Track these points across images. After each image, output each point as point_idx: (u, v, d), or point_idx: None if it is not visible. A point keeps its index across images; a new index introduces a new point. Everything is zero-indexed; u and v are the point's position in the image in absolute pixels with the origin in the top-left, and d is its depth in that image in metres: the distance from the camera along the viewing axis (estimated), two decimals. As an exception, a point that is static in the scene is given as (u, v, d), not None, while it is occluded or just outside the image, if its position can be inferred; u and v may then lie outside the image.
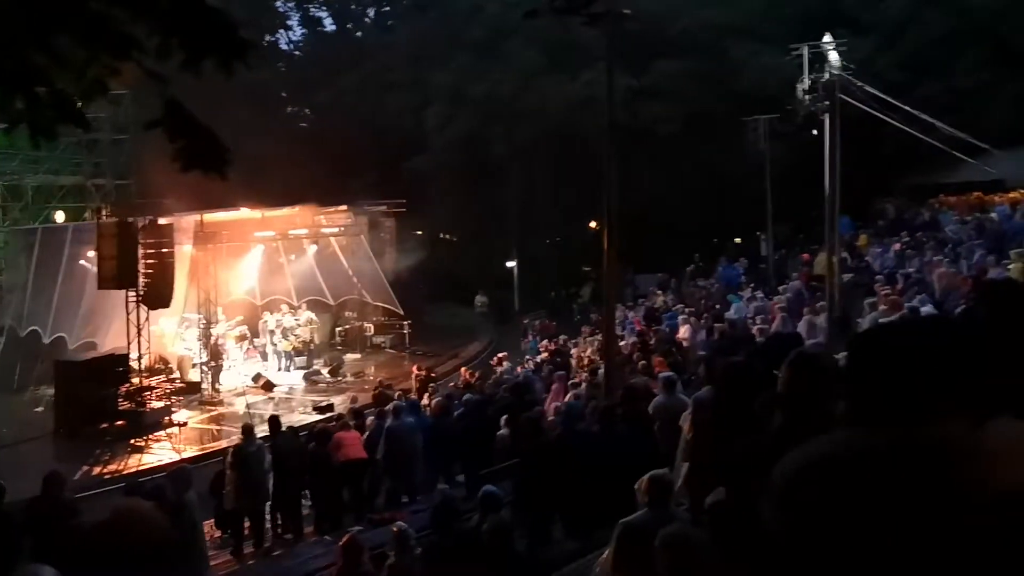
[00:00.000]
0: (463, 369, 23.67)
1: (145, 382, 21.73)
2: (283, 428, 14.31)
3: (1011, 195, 27.31)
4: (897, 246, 24.53)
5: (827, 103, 21.09)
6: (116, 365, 21.42)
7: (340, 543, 8.04)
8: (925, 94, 29.00)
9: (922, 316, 11.88)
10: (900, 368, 1.20)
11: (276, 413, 17.59)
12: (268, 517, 13.67)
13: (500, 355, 24.07)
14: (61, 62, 2.35)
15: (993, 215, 24.71)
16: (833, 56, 21.78)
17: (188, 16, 2.47)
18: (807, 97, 21.87)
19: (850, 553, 0.95)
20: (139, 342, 21.88)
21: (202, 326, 24.39)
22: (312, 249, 30.52)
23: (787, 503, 1.02)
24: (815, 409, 3.08)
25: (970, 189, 29.20)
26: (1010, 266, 16.98)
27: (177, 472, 10.64)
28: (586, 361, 21.58)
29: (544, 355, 23.95)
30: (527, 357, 25.23)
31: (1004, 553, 0.92)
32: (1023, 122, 29.83)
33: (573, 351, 23.65)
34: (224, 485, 13.15)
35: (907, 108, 23.91)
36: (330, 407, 22.26)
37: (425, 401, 17.91)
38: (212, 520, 13.57)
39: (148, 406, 21.38)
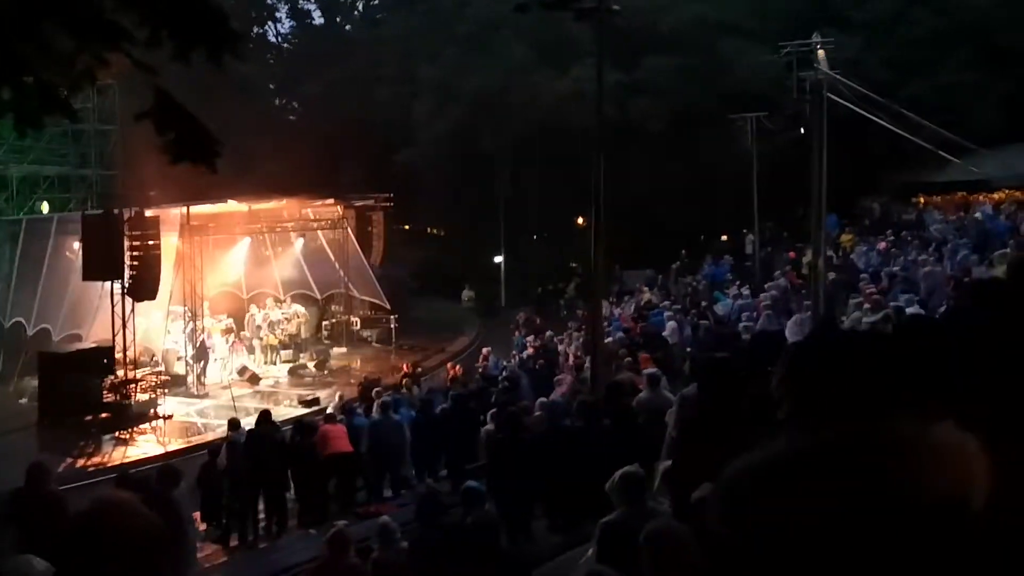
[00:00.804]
0: (449, 364, 23.68)
1: (130, 374, 21.63)
2: (270, 421, 14.29)
3: (995, 195, 27.50)
4: (882, 245, 24.64)
5: (814, 101, 21.15)
6: (101, 357, 21.33)
7: (326, 536, 8.04)
8: (912, 93, 29.12)
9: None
10: (839, 370, 1.22)
11: (265, 406, 17.58)
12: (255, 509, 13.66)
13: (485, 350, 24.08)
14: (49, 52, 2.34)
15: (977, 215, 24.85)
16: (821, 55, 21.84)
17: (178, 7, 2.46)
18: (794, 95, 21.93)
19: (792, 556, 0.96)
20: (124, 334, 21.79)
21: (188, 319, 24.29)
22: (299, 242, 30.45)
23: (730, 507, 1.03)
24: (809, 402, 3.09)
25: (955, 189, 29.38)
26: (994, 266, 17.07)
27: (165, 468, 10.61)
28: (572, 357, 21.60)
29: (530, 350, 23.96)
30: (513, 352, 25.25)
31: (937, 557, 0.94)
32: (1008, 122, 30.03)
33: (560, 347, 23.67)
34: (211, 477, 13.14)
35: (894, 107, 24.00)
36: (316, 400, 22.25)
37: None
38: (198, 512, 13.54)
39: (133, 398, 21.30)
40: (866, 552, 0.90)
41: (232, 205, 26.24)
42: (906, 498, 0.91)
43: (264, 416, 14.25)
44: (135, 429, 20.55)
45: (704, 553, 4.04)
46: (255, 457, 13.22)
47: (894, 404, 1.14)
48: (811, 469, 0.95)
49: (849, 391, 1.18)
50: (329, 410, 16.64)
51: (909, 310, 14.96)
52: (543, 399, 14.35)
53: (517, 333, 28.58)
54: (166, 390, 22.92)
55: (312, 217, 30.55)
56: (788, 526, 0.93)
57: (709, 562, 3.91)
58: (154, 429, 20.74)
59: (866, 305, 16.46)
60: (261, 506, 13.59)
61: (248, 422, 14.84)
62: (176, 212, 24.06)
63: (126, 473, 13.03)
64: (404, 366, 23.35)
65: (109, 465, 18.26)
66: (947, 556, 0.91)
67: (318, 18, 52.14)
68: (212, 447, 14.37)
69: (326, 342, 29.76)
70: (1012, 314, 2.77)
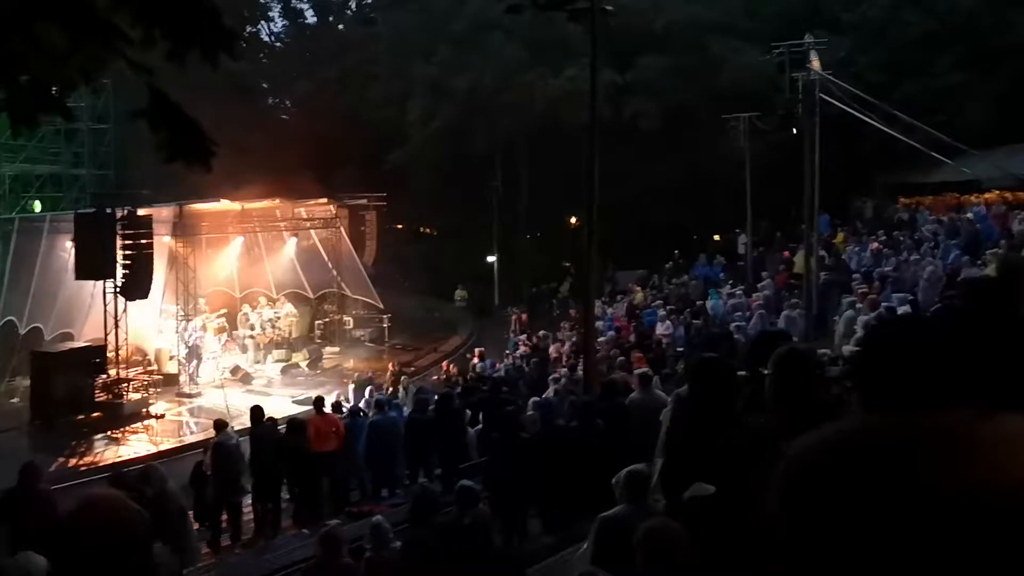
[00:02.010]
0: (445, 363, 23.69)
1: (122, 373, 21.61)
2: (264, 419, 14.26)
3: (986, 196, 27.56)
4: (874, 245, 24.71)
5: (807, 102, 21.21)
6: (93, 356, 21.29)
7: (318, 535, 8.03)
8: (904, 94, 29.20)
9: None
10: (913, 358, 1.23)
11: (257, 404, 17.53)
12: (246, 509, 13.64)
13: (477, 350, 24.09)
14: (43, 51, 2.34)
15: (969, 215, 24.92)
16: (813, 56, 21.90)
17: (173, 6, 2.46)
18: (787, 96, 22.00)
19: (854, 540, 0.96)
20: (116, 333, 21.75)
21: (180, 318, 24.26)
22: (292, 241, 30.44)
23: (795, 487, 1.03)
24: (804, 404, 3.12)
25: (947, 189, 29.45)
26: (986, 266, 17.12)
27: (147, 469, 10.56)
28: (564, 357, 21.62)
29: (523, 349, 23.98)
30: (506, 352, 25.26)
31: (1004, 545, 0.94)
32: (999, 123, 30.11)
33: (552, 347, 23.68)
34: (203, 477, 13.12)
35: (886, 108, 24.06)
36: (308, 400, 22.22)
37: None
38: (191, 512, 13.52)
39: (125, 398, 21.29)
40: (924, 539, 0.91)
41: (225, 204, 26.21)
42: (972, 488, 0.92)
43: (257, 413, 14.18)
44: (127, 428, 20.52)
45: (697, 552, 4.06)
46: (250, 457, 13.21)
47: (964, 393, 1.16)
48: (875, 451, 0.96)
49: (920, 378, 1.20)
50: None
51: (901, 309, 15.04)
52: (536, 398, 14.37)
53: (512, 333, 28.63)
54: (158, 389, 22.91)
55: (305, 216, 30.54)
56: (859, 506, 0.93)
57: (703, 561, 3.93)
58: (146, 428, 20.72)
59: (859, 304, 16.54)
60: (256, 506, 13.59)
61: (241, 422, 14.82)
62: (169, 211, 24.04)
63: (119, 472, 12.98)
64: (391, 365, 23.35)
65: (101, 464, 18.21)
66: (1008, 546, 0.92)
67: (311, 17, 52.16)
68: (206, 446, 14.34)
69: (319, 341, 29.74)
70: (1002, 311, 2.79)
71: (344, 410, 16.23)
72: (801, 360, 3.50)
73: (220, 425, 13.82)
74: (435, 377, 23.45)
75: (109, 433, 20.17)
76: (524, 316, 31.75)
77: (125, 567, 1.90)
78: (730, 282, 26.51)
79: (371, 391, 18.49)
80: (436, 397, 15.44)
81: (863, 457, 0.98)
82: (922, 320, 1.79)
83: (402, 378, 20.97)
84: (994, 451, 0.96)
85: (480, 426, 14.19)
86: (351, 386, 21.52)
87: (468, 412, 14.77)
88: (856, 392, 1.44)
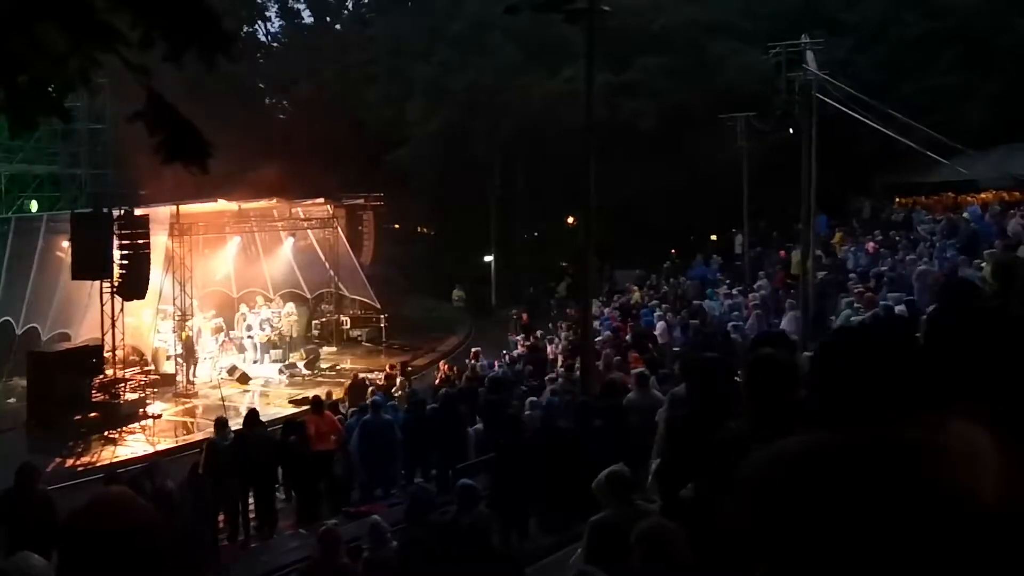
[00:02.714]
0: (442, 363, 23.68)
1: (119, 374, 21.58)
2: (259, 422, 14.24)
3: (983, 196, 27.61)
4: (871, 245, 24.74)
5: (804, 102, 21.22)
6: (90, 356, 21.25)
7: (316, 535, 8.03)
8: (901, 94, 29.23)
9: (886, 319, 12.04)
10: (865, 370, 1.24)
11: (254, 406, 17.54)
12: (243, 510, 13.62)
13: (474, 350, 24.08)
14: (42, 52, 2.34)
15: (966, 215, 24.96)
16: (810, 56, 21.91)
17: (171, 7, 2.47)
18: (784, 96, 22.00)
19: (814, 550, 0.98)
20: (113, 333, 21.73)
21: (177, 318, 24.25)
22: (289, 241, 30.44)
23: (754, 500, 1.05)
24: (775, 408, 3.15)
25: (944, 189, 29.50)
26: (983, 265, 17.14)
27: (150, 466, 10.58)
28: (561, 357, 21.62)
29: (520, 349, 23.98)
30: (504, 352, 25.26)
31: (960, 551, 0.95)
32: (997, 123, 30.18)
33: (549, 347, 23.70)
34: (200, 477, 13.10)
35: (884, 108, 24.08)
36: (306, 400, 22.22)
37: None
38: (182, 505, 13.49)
39: (122, 398, 21.25)
40: (882, 546, 0.92)
41: (222, 204, 26.20)
42: (922, 496, 0.93)
43: (252, 417, 14.15)
44: (124, 429, 20.50)
45: (694, 551, 4.07)
46: (244, 457, 13.19)
47: (916, 404, 1.17)
48: (836, 464, 0.97)
49: (875, 389, 1.20)
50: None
51: (898, 309, 15.05)
52: (534, 399, 14.38)
53: (512, 333, 28.63)
54: (155, 389, 22.89)
55: (302, 216, 30.54)
56: (811, 515, 0.94)
57: (699, 560, 3.94)
58: (143, 428, 20.70)
59: (857, 304, 16.54)
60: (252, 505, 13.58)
61: (238, 423, 14.79)
62: (166, 211, 24.02)
63: (114, 472, 12.98)
64: (388, 366, 23.36)
65: (98, 465, 18.20)
66: (961, 551, 0.93)
67: (308, 17, 52.14)
68: (202, 446, 14.33)
69: (316, 341, 29.73)
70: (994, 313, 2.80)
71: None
72: (774, 365, 3.55)
73: (220, 424, 13.80)
74: (433, 376, 23.44)
75: (106, 433, 20.14)
76: (524, 316, 31.77)
77: (135, 561, 1.91)
78: (727, 282, 26.53)
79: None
80: (437, 397, 15.43)
81: (815, 473, 0.99)
82: (881, 329, 1.80)
83: (399, 379, 20.94)
84: (938, 462, 0.97)
85: (479, 426, 14.20)
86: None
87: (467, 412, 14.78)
88: (811, 403, 1.45)
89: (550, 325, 28.15)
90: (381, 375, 21.97)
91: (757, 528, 1.03)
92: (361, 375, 21.72)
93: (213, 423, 14.36)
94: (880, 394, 1.16)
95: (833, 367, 1.30)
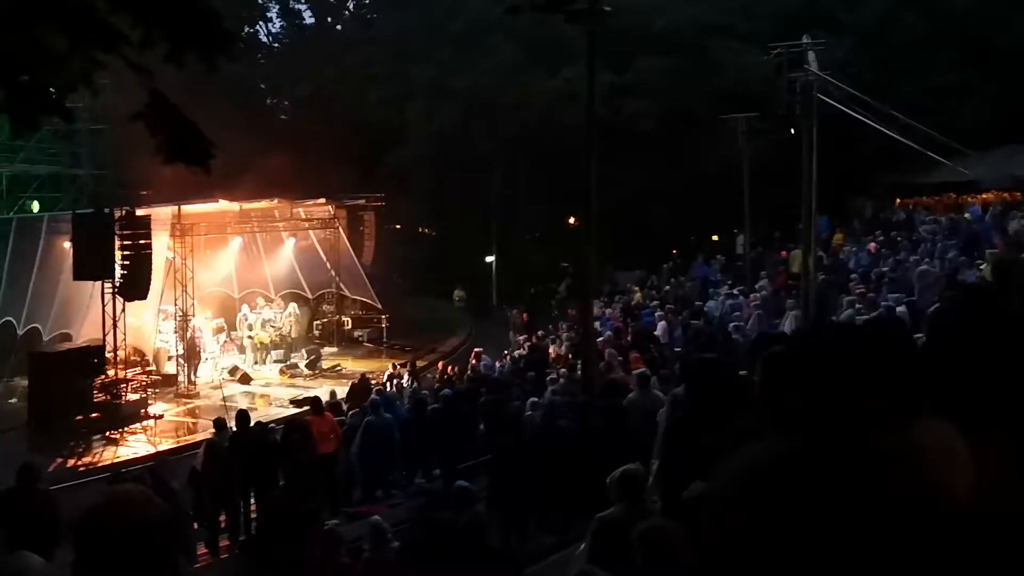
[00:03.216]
0: (441, 363, 23.67)
1: (121, 374, 21.59)
2: (252, 423, 14.20)
3: (984, 196, 27.61)
4: (872, 245, 24.74)
5: (805, 102, 21.22)
6: (91, 357, 21.26)
7: (317, 536, 8.04)
8: (902, 95, 29.22)
9: (880, 320, 12.03)
10: (825, 373, 1.23)
11: (246, 407, 17.49)
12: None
13: (475, 351, 24.09)
14: (44, 53, 2.35)
15: (967, 215, 24.96)
16: (811, 56, 21.91)
17: (172, 8, 2.47)
18: (785, 97, 21.99)
19: (786, 561, 0.98)
20: (115, 334, 21.74)
21: (179, 318, 24.26)
22: (290, 242, 30.44)
23: (727, 511, 1.05)
24: (784, 408, 3.13)
25: (945, 190, 29.50)
26: (982, 266, 17.14)
27: (161, 462, 10.61)
28: (563, 358, 21.61)
29: (520, 350, 23.97)
30: (505, 352, 25.26)
31: (934, 555, 0.96)
32: (997, 124, 30.18)
33: (551, 347, 23.69)
34: (200, 477, 13.11)
35: (884, 108, 24.08)
36: (307, 401, 22.22)
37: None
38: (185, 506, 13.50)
39: (124, 398, 21.26)
40: (856, 550, 0.92)
41: (223, 205, 26.21)
42: (896, 498, 0.93)
43: (242, 418, 14.05)
44: (126, 429, 20.50)
45: (695, 552, 4.08)
46: (242, 458, 13.19)
47: (887, 405, 1.16)
48: (805, 471, 0.97)
49: (845, 391, 1.20)
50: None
51: (899, 310, 15.05)
52: (535, 399, 14.38)
53: (513, 334, 28.61)
54: (157, 390, 22.90)
55: (303, 217, 30.54)
56: (782, 523, 0.94)
57: (700, 561, 3.95)
58: (145, 429, 20.70)
59: (858, 304, 16.55)
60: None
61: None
62: (167, 212, 24.03)
63: (119, 473, 12.99)
64: (391, 366, 23.38)
65: (100, 465, 18.22)
66: (938, 553, 0.93)
67: (309, 18, 52.13)
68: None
69: (317, 342, 29.75)
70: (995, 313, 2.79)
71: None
72: (787, 363, 3.52)
73: (219, 424, 13.80)
74: (433, 377, 23.44)
75: (107, 434, 20.15)
76: (525, 316, 31.76)
77: (149, 562, 1.92)
78: (728, 282, 26.52)
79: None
80: (438, 397, 15.42)
81: (789, 482, 0.99)
82: (843, 331, 1.78)
83: (407, 377, 20.98)
84: (916, 463, 0.97)
85: (480, 426, 14.19)
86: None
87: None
88: (767, 409, 1.45)
89: (550, 326, 28.13)
90: (383, 376, 21.99)
91: (732, 540, 1.03)
92: (367, 376, 21.73)
93: (213, 423, 14.37)
94: (866, 396, 1.16)
95: (790, 370, 1.30)
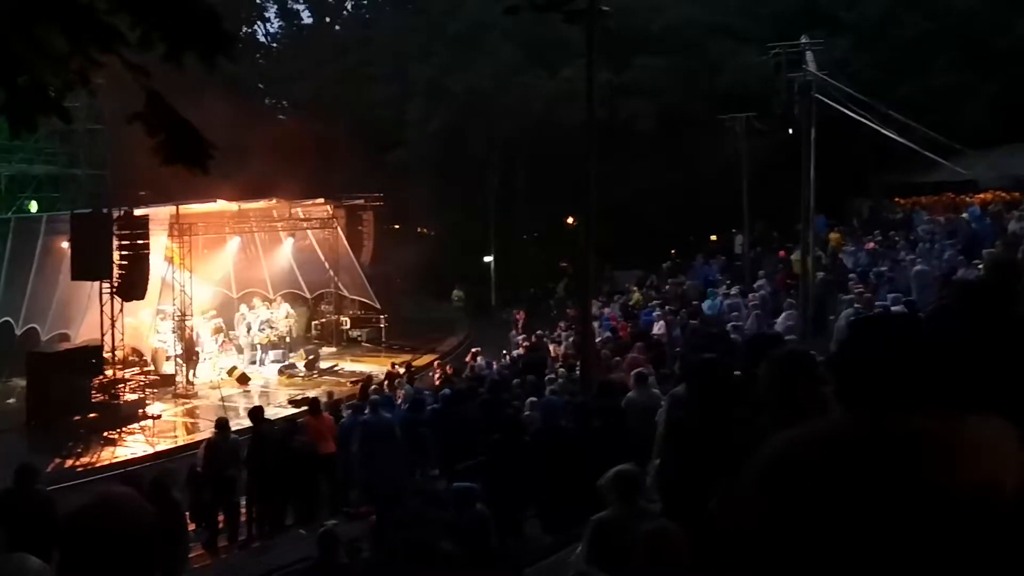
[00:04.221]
0: (437, 364, 23.66)
1: (119, 374, 21.58)
2: (263, 420, 14.22)
3: (983, 196, 27.63)
4: (870, 245, 24.74)
5: (803, 102, 21.23)
6: (90, 357, 21.24)
7: (316, 536, 8.03)
8: (900, 95, 29.24)
9: (908, 314, 12.03)
10: (889, 358, 1.23)
11: (257, 405, 17.52)
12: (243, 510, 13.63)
13: (473, 350, 24.09)
14: (43, 53, 2.34)
15: (965, 215, 24.98)
16: (810, 56, 21.92)
17: (171, 8, 2.47)
18: (784, 96, 22.01)
19: (824, 541, 0.97)
20: (113, 334, 21.73)
21: (177, 318, 24.24)
22: (289, 242, 30.43)
23: (765, 486, 1.04)
24: (797, 407, 3.12)
25: (943, 189, 29.52)
26: (980, 266, 17.13)
27: (163, 471, 10.61)
28: (562, 357, 21.61)
29: (520, 350, 23.97)
30: (504, 352, 25.25)
31: (974, 547, 0.95)
32: (996, 124, 30.20)
33: (551, 346, 23.70)
34: (199, 477, 13.12)
35: (883, 108, 24.10)
36: (305, 401, 22.20)
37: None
38: (187, 513, 13.50)
39: (122, 398, 21.24)
40: (896, 541, 0.92)
41: (222, 204, 26.19)
42: (939, 490, 0.92)
43: (258, 414, 14.09)
44: (124, 429, 20.48)
45: (697, 553, 4.07)
46: (250, 456, 13.20)
47: (938, 394, 1.16)
48: (847, 451, 0.97)
49: (897, 380, 1.20)
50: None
51: (896, 309, 15.05)
52: (534, 399, 14.36)
53: (513, 333, 28.60)
54: (155, 390, 22.88)
55: (302, 216, 30.53)
56: (829, 506, 0.94)
57: (703, 562, 3.94)
58: (143, 429, 20.68)
59: (857, 304, 16.55)
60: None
61: (237, 423, 14.79)
62: (165, 212, 24.01)
63: (127, 473, 12.96)
64: (390, 366, 23.36)
65: (98, 465, 18.21)
66: (980, 548, 0.93)
67: (307, 18, 52.16)
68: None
69: (316, 342, 29.72)
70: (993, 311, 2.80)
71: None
72: (799, 360, 3.50)
73: (220, 424, 13.80)
74: (432, 376, 23.44)
75: (106, 434, 20.13)
76: (522, 316, 31.77)
77: (133, 566, 1.91)
78: (727, 282, 26.53)
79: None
80: (437, 397, 15.41)
81: (839, 458, 0.98)
82: (900, 320, 1.79)
83: (398, 380, 20.95)
84: (964, 453, 0.97)
85: (479, 427, 14.16)
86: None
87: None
88: (836, 390, 1.45)
89: (552, 326, 28.13)
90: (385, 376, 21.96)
91: (766, 517, 1.02)
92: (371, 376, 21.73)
93: (214, 424, 14.36)
94: (903, 384, 1.16)
95: (857, 353, 1.30)
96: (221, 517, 13.32)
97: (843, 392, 1.39)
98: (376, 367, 25.87)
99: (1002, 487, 0.94)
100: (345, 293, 31.02)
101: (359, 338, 30.93)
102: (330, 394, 19.21)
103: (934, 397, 1.16)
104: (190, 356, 24.36)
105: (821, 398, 3.38)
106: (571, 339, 22.78)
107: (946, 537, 0.91)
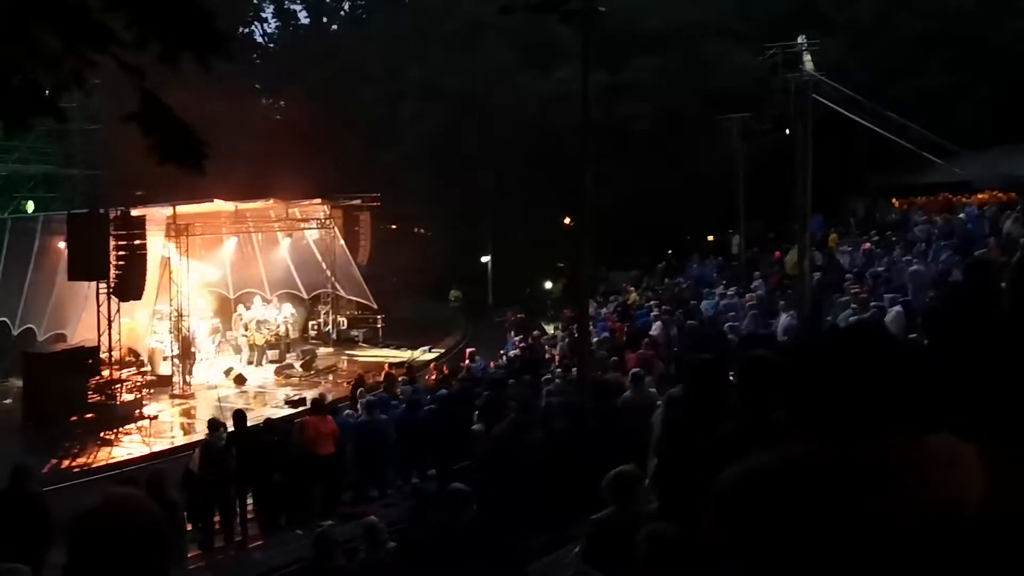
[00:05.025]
0: (431, 365, 23.65)
1: (116, 374, 21.53)
2: (249, 422, 14.18)
3: (978, 196, 27.66)
4: (866, 245, 24.76)
5: (799, 103, 21.26)
6: (86, 357, 21.20)
7: (312, 537, 8.02)
8: (895, 95, 29.28)
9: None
10: (841, 382, 1.21)
11: (242, 407, 17.46)
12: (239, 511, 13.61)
13: (468, 351, 24.08)
14: (36, 53, 2.34)
15: (961, 216, 25.00)
16: (805, 57, 21.97)
17: (166, 8, 2.46)
18: (779, 97, 22.05)
19: (788, 565, 0.97)
20: (109, 334, 21.69)
21: (174, 319, 24.20)
22: (286, 242, 30.40)
23: (726, 515, 1.04)
24: (767, 412, 3.15)
25: (938, 190, 29.56)
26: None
27: (157, 471, 10.58)
28: (558, 357, 21.61)
29: (516, 351, 23.96)
30: (501, 352, 25.24)
31: (937, 565, 0.95)
32: (991, 124, 30.24)
33: (551, 348, 23.70)
34: (194, 478, 13.09)
35: (878, 108, 24.15)
36: (302, 401, 22.19)
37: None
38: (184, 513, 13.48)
39: (118, 399, 21.19)
40: (858, 561, 0.91)
41: (218, 205, 26.16)
42: (900, 509, 0.92)
43: (240, 418, 14.08)
44: (120, 430, 20.44)
45: (696, 554, 4.07)
46: (240, 458, 13.18)
47: (891, 413, 1.15)
48: (807, 479, 0.97)
49: (847, 398, 1.18)
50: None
51: (893, 309, 15.08)
52: (530, 399, 14.34)
53: (509, 334, 28.59)
54: (152, 390, 22.84)
55: (299, 217, 30.49)
56: (782, 532, 0.94)
57: (701, 563, 3.94)
58: (139, 430, 20.64)
59: (853, 305, 16.57)
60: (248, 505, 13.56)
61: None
62: (162, 212, 23.97)
63: (127, 474, 12.95)
64: (386, 366, 23.33)
65: (94, 466, 18.17)
66: (942, 563, 0.93)
67: (304, 18, 52.13)
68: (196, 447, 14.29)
69: (313, 342, 29.70)
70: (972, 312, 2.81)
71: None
72: (763, 366, 3.54)
73: (213, 425, 13.78)
74: (428, 377, 23.41)
75: (102, 434, 20.08)
76: (518, 316, 31.76)
77: (140, 567, 1.91)
78: (723, 282, 26.55)
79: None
80: (433, 398, 15.40)
81: (801, 489, 0.98)
82: (855, 340, 1.77)
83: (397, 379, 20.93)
84: (924, 478, 0.97)
85: (476, 427, 14.16)
86: None
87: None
88: (786, 415, 1.42)
89: (548, 325, 28.16)
90: (383, 375, 21.93)
91: (730, 543, 1.02)
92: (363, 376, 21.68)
93: (207, 424, 14.34)
94: (856, 408, 1.14)
95: (809, 377, 1.27)
96: (217, 517, 13.30)
97: (797, 419, 1.38)
98: (369, 368, 25.83)
99: (964, 506, 0.94)
100: (342, 293, 31.02)
101: (356, 338, 30.92)
102: (322, 396, 19.13)
103: (893, 420, 1.14)
104: (187, 356, 24.31)
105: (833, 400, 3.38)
106: (567, 340, 22.78)
107: (911, 560, 0.91)
